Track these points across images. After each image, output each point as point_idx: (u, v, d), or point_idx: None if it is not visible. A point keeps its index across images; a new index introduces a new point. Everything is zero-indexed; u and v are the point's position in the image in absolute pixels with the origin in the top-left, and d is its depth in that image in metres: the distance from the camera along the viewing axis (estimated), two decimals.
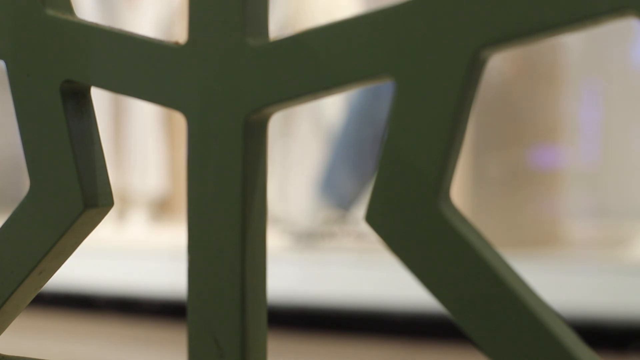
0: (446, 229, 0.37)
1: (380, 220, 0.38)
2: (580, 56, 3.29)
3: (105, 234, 3.40)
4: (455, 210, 0.37)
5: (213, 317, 0.41)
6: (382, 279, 2.73)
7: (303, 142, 3.48)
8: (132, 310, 3.07)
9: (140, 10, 3.72)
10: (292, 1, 3.49)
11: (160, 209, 3.92)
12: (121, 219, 3.77)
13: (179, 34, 3.60)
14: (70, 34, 0.44)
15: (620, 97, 3.48)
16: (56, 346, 2.87)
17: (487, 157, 2.90)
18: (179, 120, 3.60)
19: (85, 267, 3.06)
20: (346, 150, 3.20)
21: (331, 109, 3.35)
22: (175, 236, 3.41)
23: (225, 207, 0.41)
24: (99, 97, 3.42)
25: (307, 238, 3.14)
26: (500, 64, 2.86)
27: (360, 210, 3.09)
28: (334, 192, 3.21)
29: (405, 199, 0.37)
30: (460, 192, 2.82)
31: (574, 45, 3.16)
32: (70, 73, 0.44)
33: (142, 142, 3.75)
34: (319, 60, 0.39)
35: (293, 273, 2.87)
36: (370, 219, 0.38)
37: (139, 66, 0.42)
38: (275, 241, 3.08)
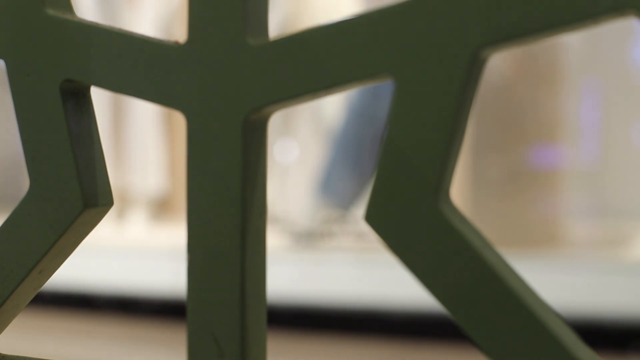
0: (446, 228, 0.37)
1: (380, 219, 0.38)
2: (580, 56, 3.29)
3: (105, 234, 3.40)
4: (455, 210, 0.37)
5: (213, 316, 0.41)
6: (381, 279, 2.73)
7: (303, 142, 3.48)
8: (132, 310, 3.07)
9: (140, 9, 3.72)
10: (292, 0, 3.49)
11: (160, 208, 3.92)
12: (121, 218, 3.77)
13: (179, 33, 3.60)
14: (70, 34, 0.44)
15: (620, 97, 3.48)
16: (56, 345, 2.87)
17: (487, 157, 2.90)
18: (179, 120, 3.60)
19: (85, 267, 3.06)
20: (346, 150, 3.20)
21: (331, 109, 3.35)
22: (175, 236, 3.41)
23: (225, 206, 0.41)
24: (99, 97, 3.42)
25: (307, 237, 3.14)
26: (500, 64, 2.86)
27: (359, 209, 3.09)
28: (333, 191, 3.21)
29: (405, 198, 0.37)
30: (460, 191, 2.82)
31: (573, 44, 3.16)
32: (70, 72, 0.44)
33: (142, 142, 3.75)
34: (319, 60, 0.39)
35: (293, 272, 2.87)
36: (370, 218, 0.38)
37: (138, 66, 0.42)
38: (275, 240, 3.08)
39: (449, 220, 0.37)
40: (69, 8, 0.45)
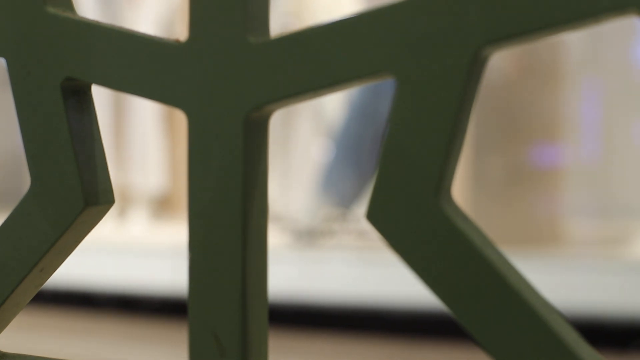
0: (447, 226, 0.37)
1: (381, 218, 0.38)
2: (581, 54, 3.29)
3: (106, 232, 3.40)
4: (456, 208, 0.37)
5: (214, 314, 0.41)
6: (382, 277, 2.73)
7: (304, 140, 3.48)
8: (133, 308, 3.07)
9: (141, 8, 3.72)
10: None
11: (161, 206, 3.92)
12: (122, 216, 3.77)
13: (180, 31, 3.60)
14: (71, 32, 0.44)
15: (621, 95, 3.48)
16: (57, 344, 2.87)
17: (488, 155, 2.90)
18: (180, 118, 3.60)
19: (86, 265, 3.06)
20: (347, 148, 3.20)
21: (332, 107, 3.35)
22: (176, 234, 3.41)
23: (226, 204, 0.41)
24: (100, 95, 3.42)
25: (308, 236, 3.14)
26: (501, 62, 2.86)
27: (361, 208, 3.09)
28: (334, 190, 3.21)
29: (406, 196, 0.37)
30: (461, 189, 2.82)
31: (574, 43, 3.15)
32: (71, 71, 0.44)
33: (142, 140, 3.75)
34: (320, 58, 0.39)
35: (294, 271, 2.87)
36: (371, 216, 0.38)
37: (139, 64, 0.42)
38: (276, 239, 3.08)
39: (450, 218, 0.37)
40: (69, 6, 0.45)
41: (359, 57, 0.38)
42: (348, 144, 3.19)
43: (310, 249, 3.04)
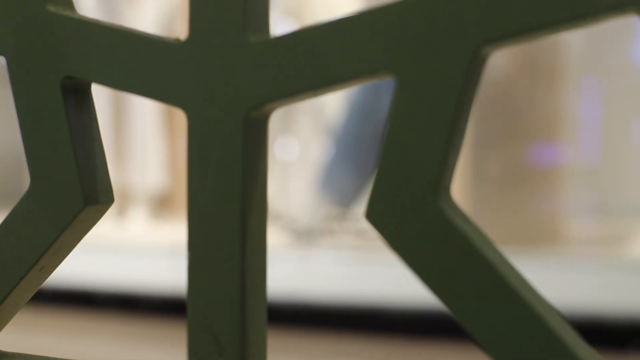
0: (446, 226, 0.37)
1: (380, 217, 0.38)
2: (580, 54, 3.29)
3: (105, 231, 3.40)
4: (455, 208, 0.37)
5: (213, 314, 0.41)
6: (382, 276, 2.73)
7: (303, 139, 3.48)
8: (132, 307, 3.07)
9: (141, 6, 3.72)
10: None
11: (160, 205, 3.92)
12: (121, 215, 3.77)
13: (180, 30, 3.60)
14: (71, 31, 0.44)
15: (621, 95, 3.48)
16: (56, 343, 2.87)
17: (488, 155, 2.90)
18: (180, 117, 3.60)
19: (85, 264, 3.06)
20: (347, 147, 3.20)
21: (332, 106, 3.35)
22: (175, 233, 3.41)
23: (226, 203, 0.41)
24: (100, 94, 3.42)
25: (307, 235, 3.14)
26: (500, 62, 2.86)
27: (360, 207, 3.09)
28: (334, 189, 3.21)
29: (405, 196, 0.37)
30: (460, 189, 2.82)
31: (574, 42, 3.15)
32: (70, 69, 0.44)
33: (142, 139, 3.75)
34: (320, 57, 0.39)
35: (293, 269, 2.87)
36: (370, 216, 0.38)
37: (139, 63, 0.42)
38: (275, 238, 3.08)
39: (449, 217, 0.37)
40: (69, 5, 0.45)
41: (358, 56, 0.38)
42: (348, 143, 3.19)
43: (309, 248, 3.04)
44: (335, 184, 3.20)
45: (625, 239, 3.08)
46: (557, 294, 2.49)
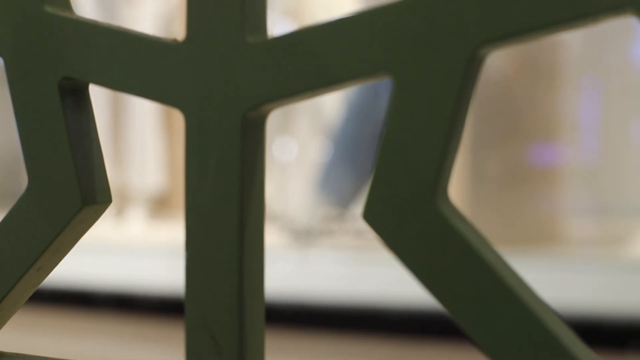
0: (444, 226, 0.37)
1: (378, 217, 0.38)
2: (579, 54, 3.29)
3: (103, 231, 3.40)
4: (453, 208, 0.37)
5: (211, 313, 0.41)
6: (380, 276, 2.73)
7: (302, 140, 3.48)
8: (130, 307, 3.07)
9: (139, 7, 3.72)
10: None
11: (158, 205, 3.92)
12: (119, 215, 3.77)
13: (178, 31, 3.60)
14: (68, 31, 0.44)
15: (620, 95, 3.48)
16: (54, 343, 2.87)
17: (486, 155, 2.90)
18: (178, 117, 3.60)
19: (83, 264, 3.06)
20: (345, 148, 3.20)
21: (330, 107, 3.35)
22: (173, 233, 3.41)
23: (224, 204, 0.41)
24: (98, 94, 3.42)
25: (306, 235, 3.14)
26: (499, 62, 2.86)
27: (358, 207, 3.09)
28: (332, 189, 3.21)
29: (403, 196, 0.37)
30: (458, 189, 2.82)
31: (573, 42, 3.16)
32: (68, 70, 0.44)
33: (140, 139, 3.75)
34: (318, 58, 0.39)
35: (291, 270, 2.87)
36: (368, 216, 0.38)
37: (137, 63, 0.42)
38: (273, 238, 3.08)
39: (446, 218, 0.37)
40: (67, 6, 0.45)
41: (357, 57, 0.38)
42: (346, 144, 3.19)
43: (307, 249, 3.04)
44: (334, 185, 3.20)
45: (624, 239, 3.08)
46: (556, 294, 2.49)
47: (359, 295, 2.78)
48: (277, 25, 3.43)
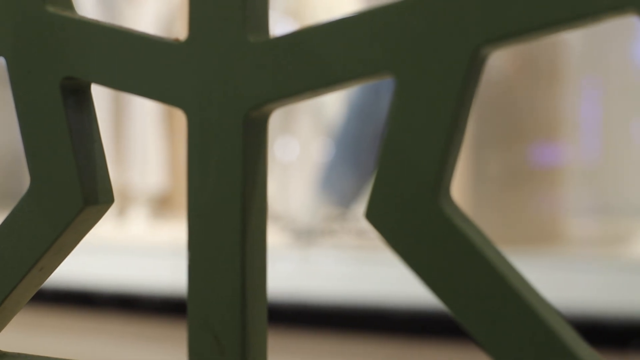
0: (446, 226, 0.37)
1: (380, 217, 0.38)
2: (580, 53, 3.29)
3: (105, 231, 3.40)
4: (455, 208, 0.37)
5: (213, 313, 0.41)
6: (382, 276, 2.73)
7: (303, 139, 3.48)
8: (133, 307, 3.07)
9: (141, 7, 3.72)
10: None
11: (160, 205, 3.92)
12: (121, 215, 3.77)
13: (180, 30, 3.60)
14: (70, 31, 0.44)
15: (621, 95, 3.48)
16: (56, 343, 2.87)
17: (488, 155, 2.90)
18: (179, 117, 3.60)
19: (85, 264, 3.06)
20: (346, 147, 3.20)
21: (332, 106, 3.35)
22: (175, 233, 3.41)
23: (226, 204, 0.41)
24: (100, 94, 3.42)
25: (307, 235, 3.14)
26: (499, 62, 2.86)
27: (360, 207, 3.09)
28: (334, 189, 3.21)
29: (405, 196, 0.37)
30: (460, 189, 2.82)
31: (574, 42, 3.15)
32: (70, 70, 0.44)
33: (142, 139, 3.75)
34: (320, 58, 0.39)
35: (293, 270, 2.87)
36: (370, 216, 0.38)
37: (139, 63, 0.42)
38: (275, 238, 3.08)
39: (449, 217, 0.37)
40: (69, 5, 0.45)
41: (358, 57, 0.38)
42: (347, 143, 3.19)
43: (309, 248, 3.04)
44: (335, 184, 3.20)
45: (625, 239, 3.08)
46: (557, 293, 2.49)
47: (360, 295, 2.78)
48: (279, 25, 3.42)
